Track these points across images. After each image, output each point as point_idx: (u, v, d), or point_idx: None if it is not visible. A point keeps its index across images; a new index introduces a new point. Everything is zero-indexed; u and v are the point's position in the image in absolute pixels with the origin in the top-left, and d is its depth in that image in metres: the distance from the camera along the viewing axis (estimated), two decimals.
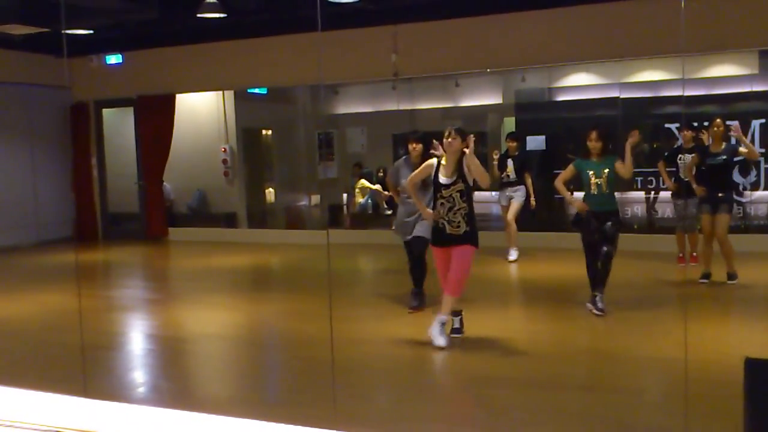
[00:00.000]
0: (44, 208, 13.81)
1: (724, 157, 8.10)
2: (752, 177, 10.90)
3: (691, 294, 8.22)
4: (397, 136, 13.29)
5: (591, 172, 7.09)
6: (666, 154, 9.44)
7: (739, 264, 8.26)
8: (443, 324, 6.19)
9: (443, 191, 6.25)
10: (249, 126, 14.73)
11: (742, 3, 10.00)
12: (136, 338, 7.49)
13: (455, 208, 6.21)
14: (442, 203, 6.26)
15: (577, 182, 7.36)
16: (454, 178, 6.20)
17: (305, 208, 15.54)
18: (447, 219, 6.23)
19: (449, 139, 6.18)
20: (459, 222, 6.21)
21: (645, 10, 10.35)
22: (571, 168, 7.33)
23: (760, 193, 10.91)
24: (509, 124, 12.85)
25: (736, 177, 10.95)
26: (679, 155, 8.99)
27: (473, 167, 6.09)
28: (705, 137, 8.49)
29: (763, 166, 10.82)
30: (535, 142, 12.00)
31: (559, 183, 7.37)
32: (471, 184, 6.22)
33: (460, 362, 5.99)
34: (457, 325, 6.51)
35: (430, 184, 6.57)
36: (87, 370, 5.34)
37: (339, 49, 11.81)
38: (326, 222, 14.58)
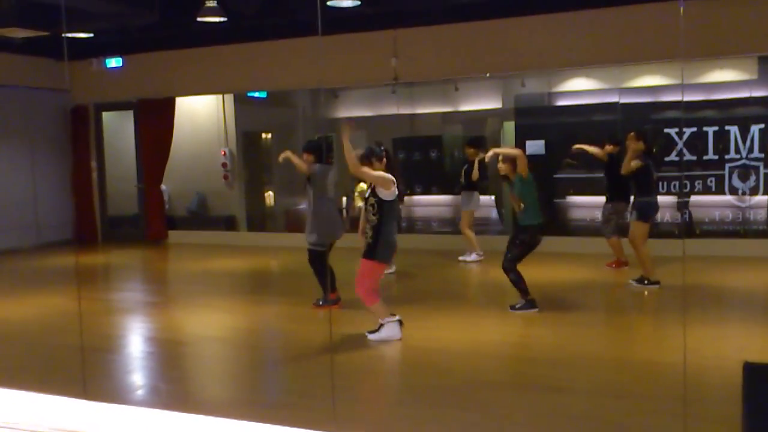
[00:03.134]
0: (44, 211, 13.82)
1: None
2: (751, 182, 10.90)
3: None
4: (398, 140, 13.30)
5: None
6: None
7: (743, 269, 8.27)
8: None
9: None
10: (249, 129, 14.75)
11: (741, 9, 10.03)
12: (136, 341, 7.49)
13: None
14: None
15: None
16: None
17: (305, 211, 15.50)
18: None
19: None
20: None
21: (644, 16, 10.39)
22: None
23: (759, 198, 10.91)
24: (509, 128, 12.85)
25: (735, 182, 10.98)
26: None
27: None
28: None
29: (762, 171, 10.82)
30: (535, 147, 12.00)
31: None
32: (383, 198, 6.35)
33: (456, 365, 5.99)
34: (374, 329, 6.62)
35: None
36: (87, 373, 5.35)
37: (339, 53, 11.83)
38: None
